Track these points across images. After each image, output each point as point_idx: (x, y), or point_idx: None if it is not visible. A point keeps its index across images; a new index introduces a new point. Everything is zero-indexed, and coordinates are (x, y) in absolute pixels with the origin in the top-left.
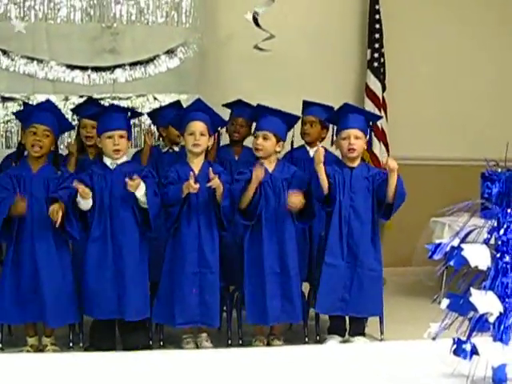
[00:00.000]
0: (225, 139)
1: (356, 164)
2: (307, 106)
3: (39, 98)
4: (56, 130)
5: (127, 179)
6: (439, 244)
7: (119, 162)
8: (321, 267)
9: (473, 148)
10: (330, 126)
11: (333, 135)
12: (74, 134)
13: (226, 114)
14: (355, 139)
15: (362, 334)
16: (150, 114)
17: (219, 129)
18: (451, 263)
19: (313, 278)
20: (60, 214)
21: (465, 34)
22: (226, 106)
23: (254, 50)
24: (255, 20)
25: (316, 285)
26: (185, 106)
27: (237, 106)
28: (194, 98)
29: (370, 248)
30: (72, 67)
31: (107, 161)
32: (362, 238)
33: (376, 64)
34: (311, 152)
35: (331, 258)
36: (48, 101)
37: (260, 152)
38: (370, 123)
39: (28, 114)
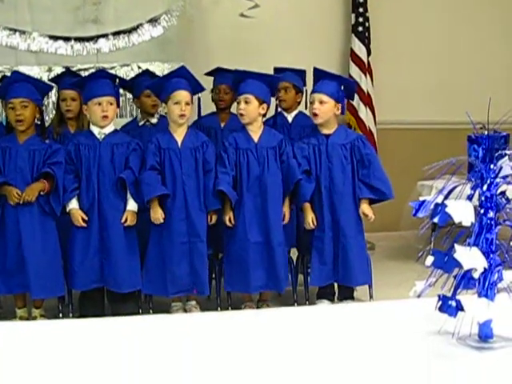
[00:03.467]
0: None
1: (331, 130)
2: (279, 72)
3: (22, 69)
4: (34, 97)
5: (123, 220)
6: (423, 201)
7: (107, 131)
8: (307, 236)
9: (459, 111)
10: (304, 89)
11: (306, 99)
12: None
13: (207, 81)
14: (319, 103)
15: (351, 297)
16: (124, 87)
17: (199, 95)
18: (435, 220)
19: (301, 243)
20: (35, 195)
21: None
22: (207, 74)
23: (238, 16)
24: None
25: (304, 251)
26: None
27: (218, 74)
28: (178, 66)
29: (351, 217)
30: (55, 38)
31: (95, 130)
32: (343, 208)
33: (360, 28)
34: (289, 118)
35: (317, 229)
36: (15, 72)
37: (244, 117)
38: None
39: (3, 91)
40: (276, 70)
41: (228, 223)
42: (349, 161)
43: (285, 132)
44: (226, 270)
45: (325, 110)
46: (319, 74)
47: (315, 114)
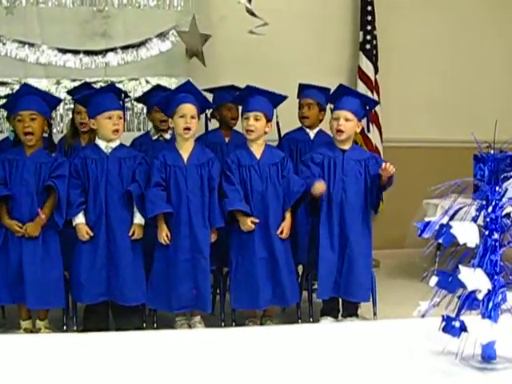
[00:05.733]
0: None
1: (348, 146)
2: (304, 88)
3: (31, 82)
4: (43, 110)
5: (131, 233)
6: (428, 222)
7: (114, 145)
8: (313, 250)
9: (466, 130)
10: (328, 107)
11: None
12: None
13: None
14: (345, 121)
15: (355, 315)
16: (138, 101)
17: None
18: (440, 241)
19: (307, 260)
20: (39, 230)
21: (456, 15)
22: (210, 90)
23: (246, 33)
24: (249, 9)
25: (309, 266)
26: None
27: (226, 91)
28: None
29: (360, 232)
30: (64, 51)
31: (101, 144)
32: (352, 222)
33: (368, 46)
34: (311, 134)
35: (324, 242)
36: (25, 85)
37: (253, 134)
38: (367, 107)
39: (12, 104)
40: (301, 86)
41: (250, 224)
42: (363, 176)
43: (307, 148)
44: (234, 287)
45: (350, 127)
46: (344, 91)
47: (340, 131)
